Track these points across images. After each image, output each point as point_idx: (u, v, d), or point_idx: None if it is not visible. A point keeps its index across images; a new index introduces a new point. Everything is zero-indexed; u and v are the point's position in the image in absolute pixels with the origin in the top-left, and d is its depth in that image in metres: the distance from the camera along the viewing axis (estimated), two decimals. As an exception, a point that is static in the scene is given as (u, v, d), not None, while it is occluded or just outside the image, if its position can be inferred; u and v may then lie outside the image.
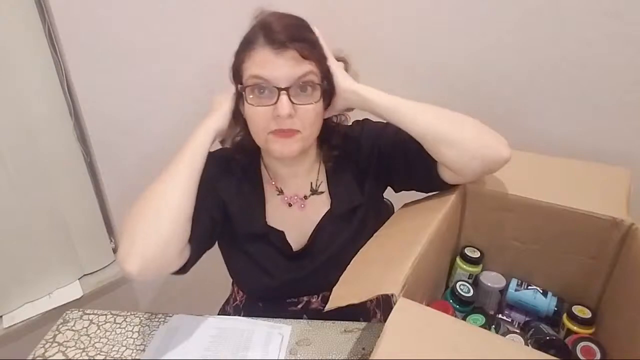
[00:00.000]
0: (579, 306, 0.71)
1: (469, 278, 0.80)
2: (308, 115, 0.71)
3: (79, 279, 1.22)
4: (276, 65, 0.68)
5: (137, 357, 0.73)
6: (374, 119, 0.81)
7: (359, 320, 0.79)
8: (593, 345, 0.63)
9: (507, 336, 0.68)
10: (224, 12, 1.18)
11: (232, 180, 0.82)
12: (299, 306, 0.85)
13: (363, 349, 0.73)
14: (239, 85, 0.73)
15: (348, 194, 0.84)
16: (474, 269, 0.80)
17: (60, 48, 1.00)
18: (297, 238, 0.84)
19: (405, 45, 1.30)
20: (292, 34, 0.69)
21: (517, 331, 0.71)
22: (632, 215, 0.67)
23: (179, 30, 1.15)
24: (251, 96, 0.71)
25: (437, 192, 0.80)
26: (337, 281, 0.62)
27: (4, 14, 0.90)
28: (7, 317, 1.09)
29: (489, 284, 0.78)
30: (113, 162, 1.16)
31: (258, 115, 0.71)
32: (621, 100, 1.02)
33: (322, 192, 0.85)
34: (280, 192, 0.84)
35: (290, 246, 0.83)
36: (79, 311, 0.82)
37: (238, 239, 0.83)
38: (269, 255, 0.82)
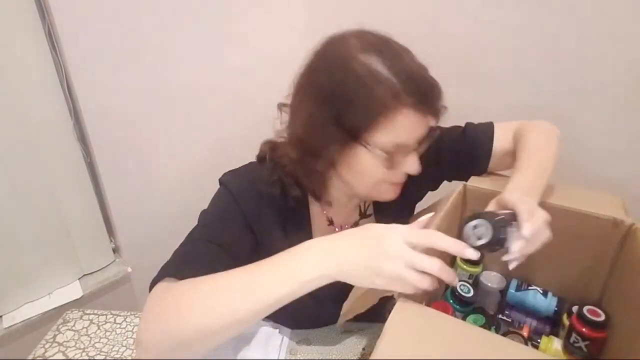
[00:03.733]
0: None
1: (469, 278, 0.80)
2: None
3: (79, 279, 1.22)
4: (419, 129, 0.64)
5: (137, 358, 0.73)
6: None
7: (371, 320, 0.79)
8: (598, 310, 0.64)
9: (507, 336, 0.68)
10: (222, 10, 1.18)
11: (271, 219, 0.72)
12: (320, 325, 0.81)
13: (363, 349, 0.73)
14: (367, 145, 0.62)
15: (395, 213, 0.80)
16: (474, 269, 0.80)
17: (60, 48, 1.00)
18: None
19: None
20: (438, 94, 0.63)
21: (517, 331, 0.71)
22: (632, 215, 0.67)
23: (179, 30, 1.15)
24: (382, 156, 0.63)
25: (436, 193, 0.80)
26: None
27: (4, 14, 0.91)
28: (7, 317, 1.09)
29: (489, 284, 0.78)
30: (113, 162, 1.16)
31: (377, 168, 0.65)
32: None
33: (370, 215, 0.83)
34: (330, 222, 0.80)
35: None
36: (79, 311, 0.82)
37: None
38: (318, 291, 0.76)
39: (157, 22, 1.11)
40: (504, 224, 0.52)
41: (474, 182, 0.78)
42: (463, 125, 0.84)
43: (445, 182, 0.88)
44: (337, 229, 0.80)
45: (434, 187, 0.89)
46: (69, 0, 0.96)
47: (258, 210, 0.70)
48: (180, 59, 1.18)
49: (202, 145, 1.32)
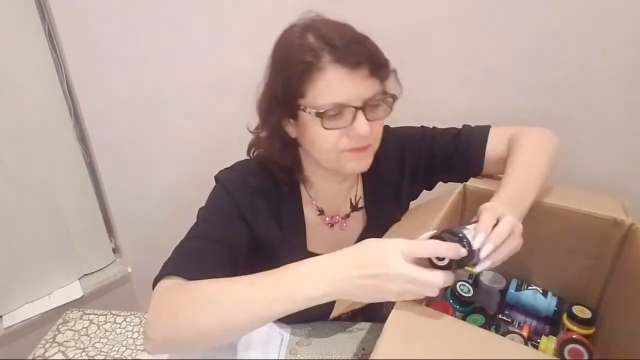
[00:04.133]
0: (579, 306, 0.71)
1: (469, 278, 0.80)
2: (379, 129, 0.70)
3: (79, 279, 1.22)
4: (351, 85, 0.64)
5: (137, 357, 0.73)
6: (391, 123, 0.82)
7: (373, 319, 0.79)
8: (581, 348, 0.64)
9: (507, 336, 0.68)
10: (226, 13, 1.18)
11: (265, 212, 0.75)
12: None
13: (363, 349, 0.73)
14: (307, 109, 0.66)
15: (386, 208, 0.82)
16: (474, 269, 0.80)
17: (60, 48, 1.00)
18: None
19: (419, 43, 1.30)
20: (365, 50, 0.65)
21: (517, 331, 0.71)
22: (632, 215, 0.67)
23: (179, 30, 1.15)
24: (324, 120, 0.65)
25: (437, 194, 0.81)
26: None
27: (4, 14, 0.91)
28: (7, 317, 1.10)
29: (489, 284, 0.78)
30: (113, 162, 1.17)
31: (331, 137, 0.67)
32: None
33: (361, 208, 0.83)
34: (321, 212, 0.80)
35: None
36: (79, 311, 0.82)
37: (277, 265, 0.78)
38: None
39: (157, 22, 1.11)
40: (464, 237, 0.52)
41: (474, 182, 0.78)
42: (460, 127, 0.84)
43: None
44: (327, 219, 0.81)
45: (429, 187, 0.89)
46: (69, 0, 0.96)
47: (251, 203, 0.73)
48: (181, 59, 1.18)
49: (203, 145, 1.32)
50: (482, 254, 0.52)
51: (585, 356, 0.62)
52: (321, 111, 0.64)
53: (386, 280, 0.48)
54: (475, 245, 0.52)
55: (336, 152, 0.68)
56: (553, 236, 0.74)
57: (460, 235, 0.52)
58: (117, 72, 1.08)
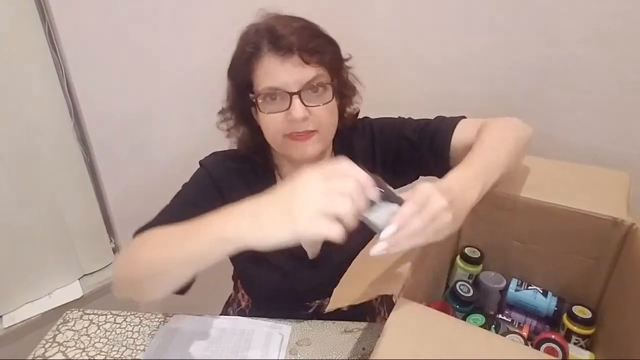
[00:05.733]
0: (579, 306, 0.71)
1: (469, 278, 0.80)
2: (322, 114, 0.72)
3: (79, 279, 1.22)
4: (284, 72, 0.68)
5: (137, 357, 0.73)
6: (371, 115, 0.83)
7: (365, 319, 0.79)
8: (557, 347, 0.64)
9: (507, 336, 0.68)
10: (225, 13, 1.18)
11: (243, 188, 0.78)
12: (310, 310, 0.85)
13: (363, 349, 0.73)
14: (251, 95, 0.73)
15: None
16: (474, 269, 0.80)
17: (60, 48, 1.00)
18: (311, 243, 0.82)
19: (411, 43, 1.30)
20: (297, 39, 0.69)
21: (517, 331, 0.71)
22: (632, 215, 0.67)
23: (179, 30, 1.15)
24: (263, 104, 0.71)
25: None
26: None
27: (4, 14, 0.91)
28: (7, 317, 1.10)
29: (489, 284, 0.78)
30: (113, 162, 1.16)
31: (273, 121, 0.72)
32: (621, 101, 1.02)
33: None
34: None
35: (304, 251, 0.82)
36: (79, 311, 0.82)
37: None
38: (282, 257, 0.80)
39: (158, 22, 1.11)
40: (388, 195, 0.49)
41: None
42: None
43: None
44: None
45: (408, 180, 0.86)
46: (69, 0, 0.96)
47: (228, 180, 0.79)
48: (181, 59, 1.18)
49: (203, 145, 1.32)
50: (382, 235, 0.48)
51: (560, 356, 0.63)
52: (259, 95, 0.71)
53: (298, 205, 0.46)
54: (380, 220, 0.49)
55: (280, 137, 0.72)
56: (553, 236, 0.74)
57: (388, 193, 0.49)
58: (117, 73, 1.08)
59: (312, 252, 0.83)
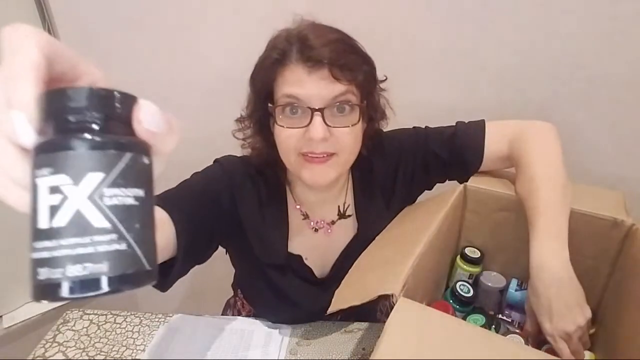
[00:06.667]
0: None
1: (469, 278, 0.80)
2: (344, 138, 0.65)
3: (79, 279, 1.22)
4: (309, 83, 0.62)
5: (137, 357, 0.73)
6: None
7: (365, 319, 0.79)
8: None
9: (507, 336, 0.68)
10: (225, 11, 1.18)
11: (253, 200, 0.75)
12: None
13: (363, 349, 0.73)
14: (269, 105, 0.67)
15: (377, 216, 0.79)
16: (474, 269, 0.80)
17: (60, 48, 1.00)
18: (322, 264, 0.80)
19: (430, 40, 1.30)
20: (329, 52, 0.62)
21: (517, 331, 0.71)
22: (632, 215, 0.67)
23: (180, 30, 1.15)
24: (281, 116, 0.65)
25: (437, 194, 0.80)
26: None
27: (4, 14, 0.91)
28: (7, 317, 1.10)
29: (489, 284, 0.78)
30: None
31: (288, 137, 0.65)
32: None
33: (349, 216, 0.80)
34: (306, 216, 0.78)
35: (315, 274, 0.79)
36: (79, 311, 0.82)
37: (259, 265, 0.77)
38: (294, 285, 0.78)
39: (158, 22, 1.11)
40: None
41: (474, 182, 0.78)
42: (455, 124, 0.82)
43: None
44: (312, 223, 0.79)
45: (428, 188, 0.86)
46: (69, 0, 0.96)
47: (242, 182, 0.74)
48: (182, 59, 1.18)
49: (204, 145, 1.32)
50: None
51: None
52: (278, 106, 0.65)
53: None
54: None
55: (294, 156, 0.66)
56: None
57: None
58: (117, 73, 1.08)
59: (320, 273, 0.80)
